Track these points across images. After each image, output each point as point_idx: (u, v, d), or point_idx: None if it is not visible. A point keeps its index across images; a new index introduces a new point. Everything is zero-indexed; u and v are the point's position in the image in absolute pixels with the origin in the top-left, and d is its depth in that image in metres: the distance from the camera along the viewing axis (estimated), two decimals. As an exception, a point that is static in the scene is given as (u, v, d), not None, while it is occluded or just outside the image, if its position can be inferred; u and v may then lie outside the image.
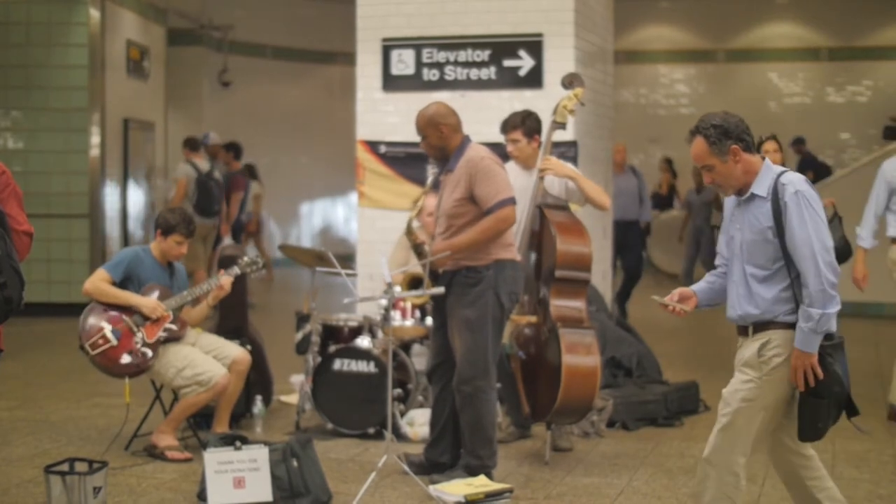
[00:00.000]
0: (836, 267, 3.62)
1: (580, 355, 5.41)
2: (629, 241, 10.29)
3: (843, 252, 6.20)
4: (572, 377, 5.35)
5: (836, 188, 10.89)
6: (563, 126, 5.86)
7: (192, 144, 11.27)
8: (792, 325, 3.64)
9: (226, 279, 5.74)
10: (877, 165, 6.79)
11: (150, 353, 5.57)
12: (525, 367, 5.77)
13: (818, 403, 3.65)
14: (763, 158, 3.77)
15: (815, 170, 16.00)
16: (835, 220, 6.25)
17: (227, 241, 11.67)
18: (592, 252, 5.68)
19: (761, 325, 3.71)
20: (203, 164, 11.22)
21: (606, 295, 8.19)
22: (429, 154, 5.27)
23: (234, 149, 12.42)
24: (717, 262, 3.95)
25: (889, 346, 9.41)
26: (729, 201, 3.87)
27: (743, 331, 3.80)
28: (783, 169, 3.74)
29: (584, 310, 5.60)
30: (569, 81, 5.99)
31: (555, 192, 5.78)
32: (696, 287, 3.96)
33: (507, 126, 5.92)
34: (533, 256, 5.76)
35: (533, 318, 5.66)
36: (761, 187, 3.70)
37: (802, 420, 3.69)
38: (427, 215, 5.87)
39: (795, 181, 3.66)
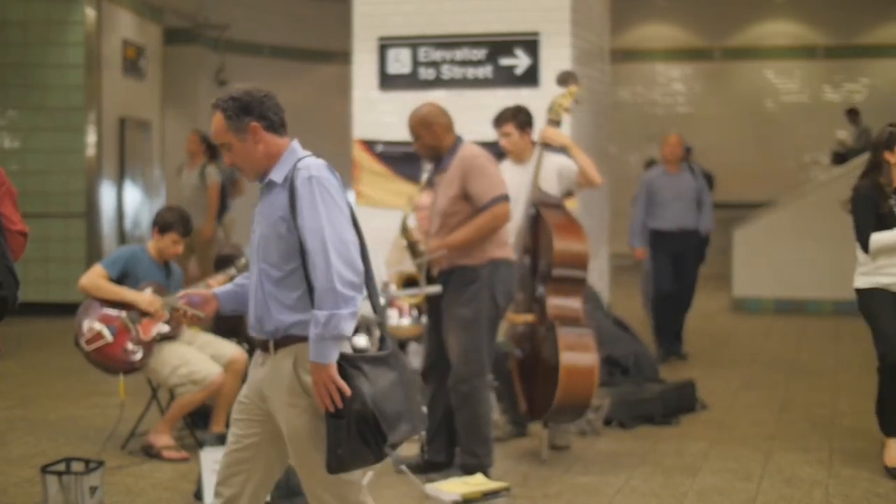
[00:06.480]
0: (356, 263, 3.06)
1: (578, 353, 5.41)
2: (686, 256, 8.56)
3: None
4: (570, 375, 5.35)
5: (835, 188, 10.89)
6: (558, 124, 5.86)
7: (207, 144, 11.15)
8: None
9: (216, 280, 5.67)
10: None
11: (144, 350, 5.56)
12: (522, 366, 5.77)
13: (337, 425, 3.04)
14: (290, 141, 3.27)
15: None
16: None
17: None
18: (590, 251, 5.69)
19: (282, 341, 3.15)
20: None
21: (603, 293, 8.19)
22: (422, 154, 5.27)
23: (211, 148, 12.26)
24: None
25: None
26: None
27: (263, 346, 3.22)
28: (307, 153, 3.26)
29: (582, 308, 5.60)
30: (563, 79, 6.00)
31: (549, 188, 5.77)
32: (221, 289, 3.44)
33: (500, 120, 5.93)
34: (528, 255, 5.76)
35: (530, 317, 5.65)
36: (279, 173, 3.19)
37: (327, 445, 3.08)
38: (418, 209, 5.87)
39: (312, 166, 3.16)
